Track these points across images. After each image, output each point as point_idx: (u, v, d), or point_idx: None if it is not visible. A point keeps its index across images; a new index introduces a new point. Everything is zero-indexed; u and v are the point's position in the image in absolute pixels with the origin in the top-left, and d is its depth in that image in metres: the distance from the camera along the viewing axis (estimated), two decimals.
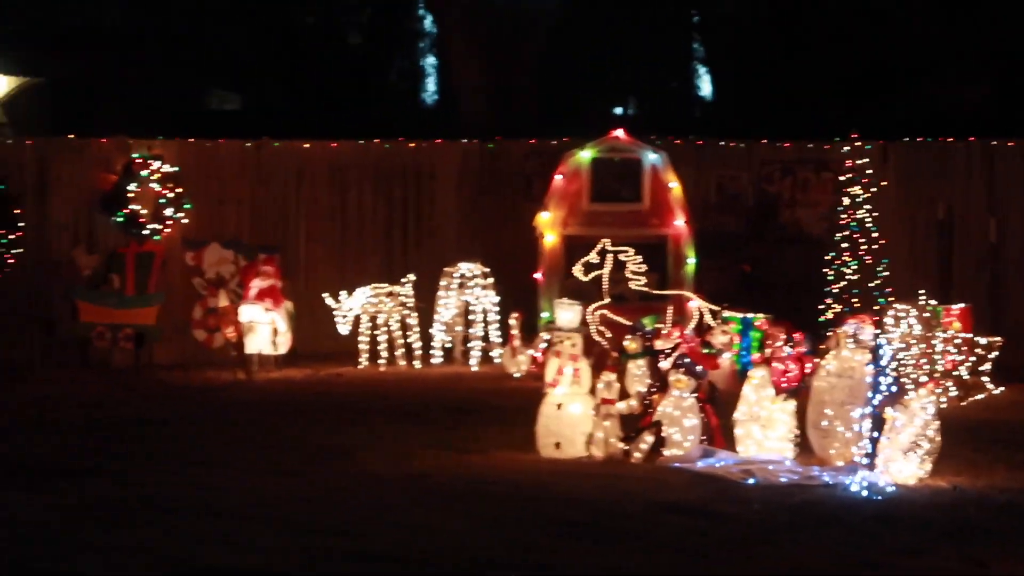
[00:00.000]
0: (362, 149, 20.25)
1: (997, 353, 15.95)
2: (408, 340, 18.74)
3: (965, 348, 15.77)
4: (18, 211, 18.72)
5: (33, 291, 18.91)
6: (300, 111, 27.63)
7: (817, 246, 19.53)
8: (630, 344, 12.93)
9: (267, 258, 18.49)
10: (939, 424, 11.33)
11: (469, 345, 18.75)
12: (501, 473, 11.68)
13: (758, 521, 10.03)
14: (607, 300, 16.45)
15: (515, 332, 17.70)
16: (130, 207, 18.94)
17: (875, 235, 18.92)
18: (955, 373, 15.66)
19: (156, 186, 19.09)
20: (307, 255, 19.96)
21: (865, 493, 10.78)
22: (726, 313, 15.70)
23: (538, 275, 18.27)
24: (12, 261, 18.62)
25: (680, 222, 18.25)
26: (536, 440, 12.49)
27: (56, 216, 19.09)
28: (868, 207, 18.97)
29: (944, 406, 13.44)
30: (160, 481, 11.37)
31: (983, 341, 15.93)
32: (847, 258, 18.85)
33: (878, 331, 12.40)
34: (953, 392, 15.45)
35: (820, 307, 18.64)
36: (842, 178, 19.23)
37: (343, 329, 18.43)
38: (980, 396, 15.70)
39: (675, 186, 18.34)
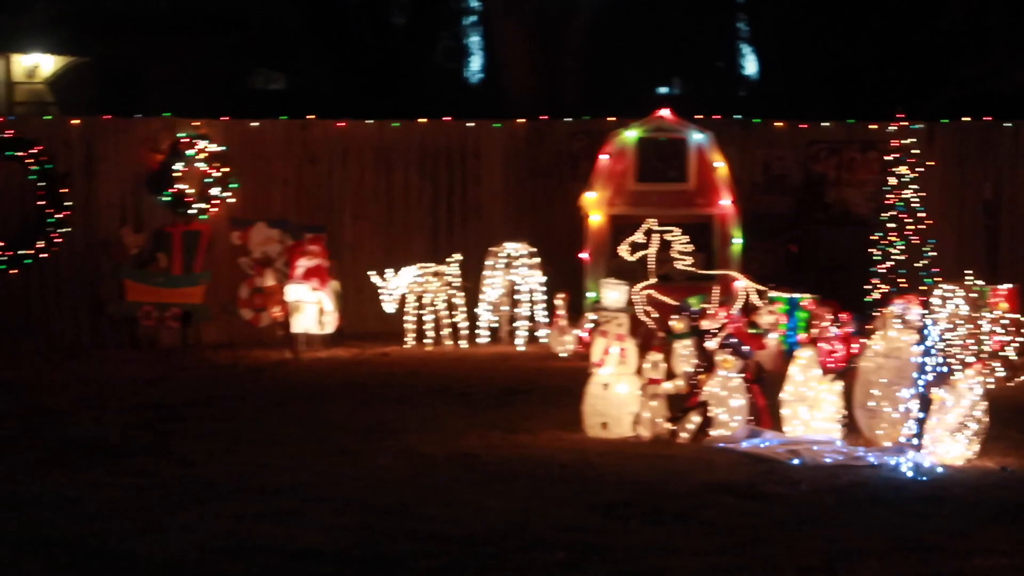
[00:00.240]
0: (407, 128, 20.24)
1: None
2: (454, 320, 18.78)
3: (1012, 328, 15.72)
4: (65, 190, 18.81)
5: (81, 270, 18.99)
6: (345, 91, 27.63)
7: (864, 226, 19.51)
8: (676, 324, 12.92)
9: (313, 237, 18.54)
10: (986, 405, 11.32)
11: (515, 325, 18.77)
12: (548, 453, 11.74)
13: (805, 502, 10.05)
14: (653, 280, 16.46)
15: (561, 312, 17.73)
16: (176, 186, 19.03)
17: (921, 215, 18.88)
18: (1002, 353, 15.61)
19: (202, 165, 19.14)
20: (353, 235, 19.97)
21: (912, 474, 10.79)
22: (772, 293, 15.66)
23: (584, 255, 18.27)
24: (60, 240, 18.72)
25: (726, 202, 18.21)
26: (583, 420, 12.54)
27: (103, 195, 19.13)
28: (915, 187, 18.92)
29: (991, 387, 13.43)
30: (214, 460, 11.49)
31: None
32: (894, 238, 18.81)
33: (925, 311, 12.39)
34: (1000, 372, 15.41)
35: (867, 287, 18.63)
36: (888, 158, 19.21)
37: (389, 308, 18.47)
38: None
39: (721, 166, 18.30)
